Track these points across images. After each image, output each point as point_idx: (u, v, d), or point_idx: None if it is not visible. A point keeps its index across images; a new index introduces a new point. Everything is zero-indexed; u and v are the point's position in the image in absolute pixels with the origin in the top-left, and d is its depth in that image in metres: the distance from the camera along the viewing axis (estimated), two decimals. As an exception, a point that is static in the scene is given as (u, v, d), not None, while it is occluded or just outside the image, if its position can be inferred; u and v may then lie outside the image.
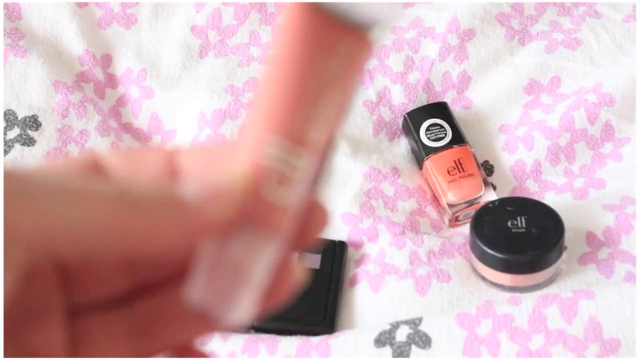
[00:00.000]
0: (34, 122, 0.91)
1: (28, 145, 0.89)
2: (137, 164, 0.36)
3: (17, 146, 0.89)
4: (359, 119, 0.92)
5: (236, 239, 0.35)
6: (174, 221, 0.32)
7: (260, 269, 0.35)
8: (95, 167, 0.36)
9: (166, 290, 0.37)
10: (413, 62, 0.95)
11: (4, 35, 0.95)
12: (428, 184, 0.88)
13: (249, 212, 0.35)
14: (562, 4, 0.99)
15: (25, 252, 0.30)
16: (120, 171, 0.36)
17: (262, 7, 1.00)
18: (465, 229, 0.84)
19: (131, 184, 0.33)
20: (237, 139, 0.36)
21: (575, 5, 0.99)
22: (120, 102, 0.96)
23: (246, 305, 0.35)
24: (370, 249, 0.83)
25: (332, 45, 0.37)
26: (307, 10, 0.37)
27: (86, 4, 0.99)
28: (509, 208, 0.82)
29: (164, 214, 0.32)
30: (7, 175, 0.30)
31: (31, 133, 0.90)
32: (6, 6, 0.98)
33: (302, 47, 0.37)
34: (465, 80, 0.94)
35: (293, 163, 0.36)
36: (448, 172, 0.87)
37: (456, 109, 0.93)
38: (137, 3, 1.00)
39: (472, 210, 0.84)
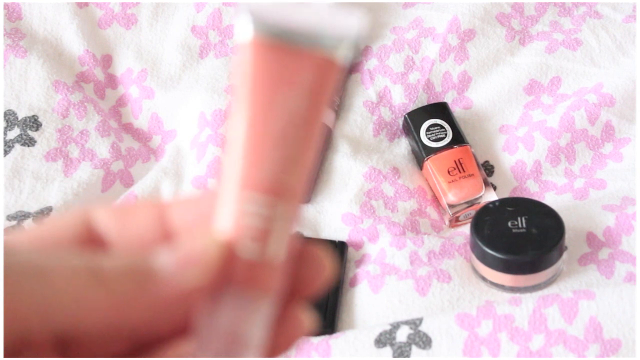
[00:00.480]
0: (34, 123, 0.91)
1: (28, 146, 0.89)
2: (127, 221, 0.36)
3: (18, 146, 0.89)
4: (359, 119, 0.92)
5: (224, 303, 0.34)
6: (141, 295, 0.32)
7: (255, 329, 0.35)
8: (84, 227, 0.36)
9: (165, 346, 0.37)
10: (413, 63, 0.95)
11: (5, 35, 0.96)
12: (428, 184, 0.89)
13: (228, 275, 0.34)
14: (563, 4, 0.99)
15: None
16: (109, 229, 0.36)
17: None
18: (466, 229, 0.84)
19: (102, 258, 0.33)
20: (217, 195, 0.36)
21: (576, 5, 0.99)
22: (121, 102, 0.96)
23: None
24: (371, 249, 0.83)
25: (289, 76, 0.35)
26: (254, 44, 0.35)
27: (86, 4, 0.99)
28: (509, 208, 0.82)
29: (131, 289, 0.32)
30: None
31: (31, 133, 0.90)
32: (6, 6, 0.98)
33: (257, 87, 0.35)
34: (465, 81, 0.94)
35: (269, 215, 0.35)
36: (448, 172, 0.87)
37: (456, 109, 0.93)
38: (137, 3, 1.00)
39: (472, 211, 0.85)
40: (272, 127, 0.35)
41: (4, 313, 0.30)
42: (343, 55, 0.35)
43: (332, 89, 0.36)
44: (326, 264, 0.36)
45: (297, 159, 0.35)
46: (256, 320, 0.35)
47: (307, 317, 0.36)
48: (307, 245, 0.36)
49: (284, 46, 0.35)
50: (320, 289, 0.36)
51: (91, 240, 0.36)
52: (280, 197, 0.35)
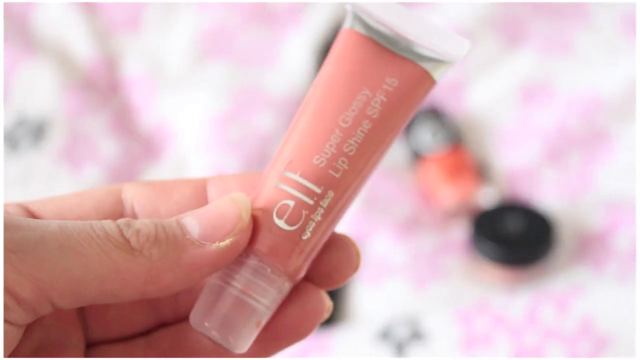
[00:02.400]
0: (43, 126, 0.91)
1: (37, 147, 0.90)
2: (163, 198, 0.36)
3: (26, 150, 0.90)
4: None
5: (242, 269, 0.34)
6: (172, 259, 0.32)
7: (266, 301, 0.34)
8: (114, 204, 0.36)
9: (183, 322, 0.37)
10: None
11: (14, 38, 0.96)
12: (427, 184, 0.89)
13: (252, 246, 0.34)
14: (558, 7, 0.99)
15: (22, 314, 0.30)
16: (143, 206, 0.36)
17: (266, 11, 1.01)
18: (463, 228, 0.85)
19: (131, 227, 0.32)
20: (263, 171, 0.35)
21: (571, 8, 0.99)
22: (127, 105, 0.96)
23: (246, 335, 0.34)
24: (370, 248, 0.84)
25: (375, 76, 0.34)
26: (349, 33, 0.34)
27: (94, 7, 1.00)
28: (505, 208, 0.83)
29: (162, 255, 0.32)
30: (8, 227, 0.30)
31: (40, 136, 0.91)
32: (15, 10, 0.99)
33: (338, 76, 0.34)
34: (462, 83, 0.95)
35: (307, 199, 0.34)
36: (446, 172, 0.88)
37: (454, 111, 0.93)
38: (144, 7, 1.00)
39: (469, 210, 0.86)
40: (338, 119, 0.34)
41: (31, 281, 0.30)
42: (440, 75, 0.34)
43: (418, 103, 0.34)
44: (356, 252, 0.36)
45: (355, 159, 0.34)
46: (269, 294, 0.34)
47: (328, 304, 0.36)
48: (337, 234, 0.36)
49: (379, 44, 0.34)
50: (350, 276, 0.36)
51: (121, 216, 0.35)
52: (324, 186, 0.34)
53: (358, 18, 0.35)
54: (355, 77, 0.35)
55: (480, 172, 0.89)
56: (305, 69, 0.96)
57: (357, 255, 0.36)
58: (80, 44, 0.97)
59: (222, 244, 0.33)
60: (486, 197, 0.86)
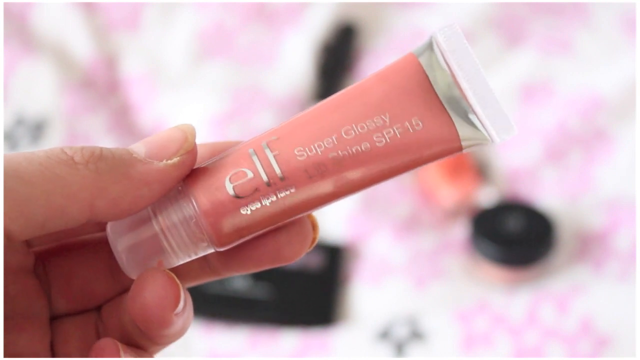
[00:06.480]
0: (41, 124, 0.91)
1: (36, 148, 0.90)
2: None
3: (25, 149, 0.90)
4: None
5: (172, 211, 0.34)
6: (121, 174, 0.33)
7: (180, 253, 0.34)
8: None
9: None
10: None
11: (14, 37, 0.96)
12: (426, 184, 0.89)
13: (194, 190, 0.34)
14: (557, 6, 1.00)
15: None
16: None
17: (265, 10, 1.01)
18: (463, 227, 0.85)
19: (74, 146, 0.33)
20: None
21: (571, 7, 1.00)
22: (127, 104, 0.96)
23: (143, 267, 0.34)
24: (370, 247, 0.84)
25: (408, 113, 0.33)
26: (414, 65, 0.33)
27: (94, 7, 1.00)
28: (505, 207, 0.83)
29: (110, 170, 0.33)
30: None
31: (39, 135, 0.91)
32: (14, 9, 0.99)
33: (375, 92, 0.33)
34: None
35: (267, 183, 0.34)
36: (446, 172, 0.88)
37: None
38: (143, 7, 1.01)
39: (469, 210, 0.86)
40: (344, 126, 0.33)
41: None
42: (470, 148, 0.33)
43: (429, 160, 0.33)
44: (312, 224, 0.36)
45: (333, 173, 0.34)
46: (186, 248, 0.34)
47: (314, 234, 0.36)
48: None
49: (431, 85, 0.33)
50: (303, 252, 0.36)
51: None
52: (290, 180, 0.33)
53: (429, 50, 0.33)
54: (386, 100, 0.33)
55: (480, 171, 0.90)
56: (304, 68, 0.96)
57: (314, 227, 0.36)
58: (80, 43, 0.98)
59: (170, 161, 0.33)
60: (486, 197, 0.86)
